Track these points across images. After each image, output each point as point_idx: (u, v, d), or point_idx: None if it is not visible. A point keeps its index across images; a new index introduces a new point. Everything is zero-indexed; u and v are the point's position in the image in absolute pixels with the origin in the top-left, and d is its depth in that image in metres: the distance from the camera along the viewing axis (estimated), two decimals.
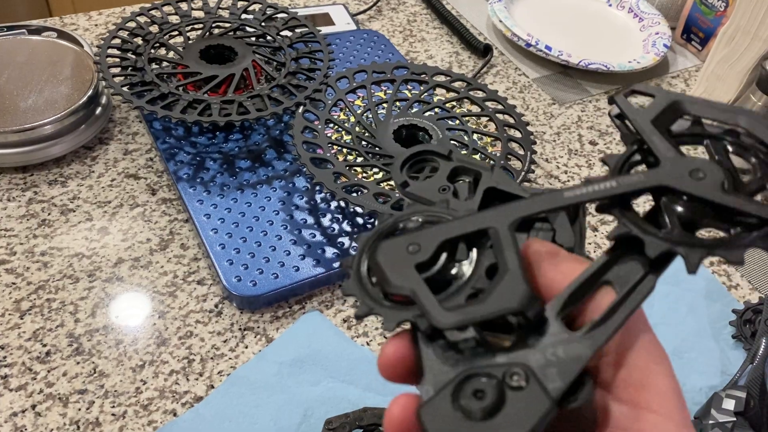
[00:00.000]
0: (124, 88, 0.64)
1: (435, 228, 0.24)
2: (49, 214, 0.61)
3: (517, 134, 0.67)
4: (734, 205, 0.21)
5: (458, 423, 0.20)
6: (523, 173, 0.61)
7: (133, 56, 0.68)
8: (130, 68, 0.67)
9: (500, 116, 0.68)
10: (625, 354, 0.22)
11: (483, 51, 0.87)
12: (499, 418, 0.19)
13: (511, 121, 0.68)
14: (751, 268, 0.65)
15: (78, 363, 0.51)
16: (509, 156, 0.64)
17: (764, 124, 0.24)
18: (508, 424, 0.19)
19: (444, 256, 0.23)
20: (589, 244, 0.66)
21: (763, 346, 0.55)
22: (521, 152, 0.64)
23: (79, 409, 0.49)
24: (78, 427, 0.48)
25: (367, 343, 0.55)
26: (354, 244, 0.59)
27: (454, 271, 0.23)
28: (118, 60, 0.68)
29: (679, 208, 0.22)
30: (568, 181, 0.72)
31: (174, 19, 0.74)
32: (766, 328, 0.56)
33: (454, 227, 0.23)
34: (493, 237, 0.23)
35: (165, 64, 0.70)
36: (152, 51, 0.69)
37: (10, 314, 0.54)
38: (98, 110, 0.68)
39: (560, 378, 0.20)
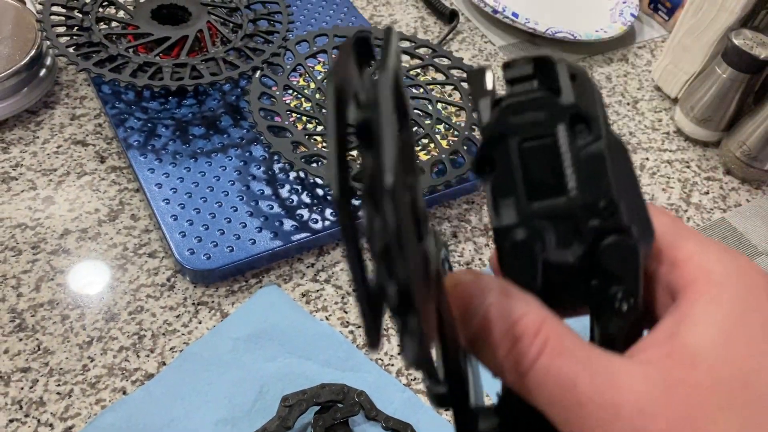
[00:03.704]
0: (70, 49, 0.60)
1: None
2: None
3: None
4: None
5: None
6: None
7: (80, 15, 0.64)
8: (76, 28, 0.63)
9: (465, 85, 0.66)
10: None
11: (449, 17, 0.84)
12: None
13: None
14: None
15: (21, 340, 0.49)
16: (474, 126, 0.62)
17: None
18: None
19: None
20: None
21: None
22: None
23: (22, 388, 0.47)
24: (21, 407, 0.46)
25: (326, 318, 0.53)
26: (313, 215, 0.57)
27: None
28: (63, 19, 0.63)
29: None
30: None
31: None
32: None
33: None
34: None
35: (114, 24, 0.66)
36: (100, 10, 0.65)
37: None
38: (42, 72, 0.65)
39: None
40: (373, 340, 0.15)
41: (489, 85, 0.21)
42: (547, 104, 0.19)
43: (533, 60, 0.20)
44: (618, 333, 0.20)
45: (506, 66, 0.20)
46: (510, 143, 0.19)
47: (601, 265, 0.19)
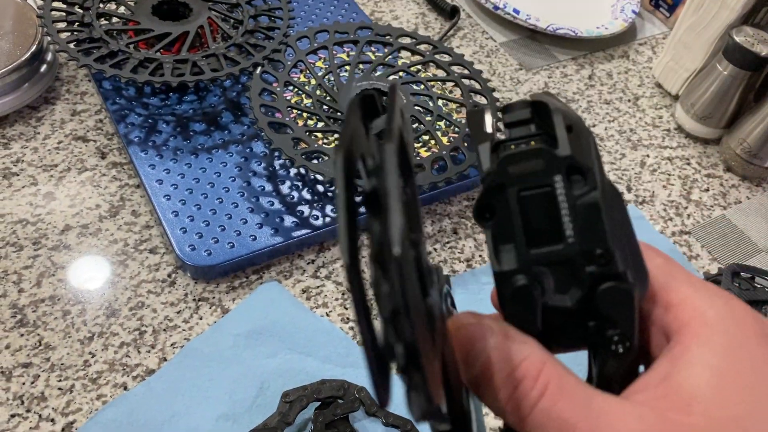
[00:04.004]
0: (71, 45, 0.60)
1: None
2: None
3: (483, 100, 0.65)
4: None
5: None
6: None
7: (80, 11, 0.64)
8: (76, 23, 0.63)
9: (466, 81, 0.66)
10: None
11: (450, 13, 0.84)
12: None
13: (477, 86, 0.66)
14: (711, 239, 0.65)
15: (22, 335, 0.49)
16: None
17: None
18: None
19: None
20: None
21: None
22: None
23: (23, 384, 0.47)
24: (22, 402, 0.46)
25: (327, 314, 0.54)
26: (314, 212, 0.57)
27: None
28: (63, 14, 0.63)
29: None
30: None
31: None
32: None
33: None
34: None
35: (115, 19, 0.66)
36: (101, 5, 0.65)
37: None
38: (43, 68, 0.65)
39: None
40: (383, 399, 0.16)
41: (488, 128, 0.21)
42: (544, 155, 0.20)
43: (530, 104, 0.21)
44: (614, 373, 0.20)
45: (505, 110, 0.21)
46: (509, 192, 0.20)
47: (598, 309, 0.20)
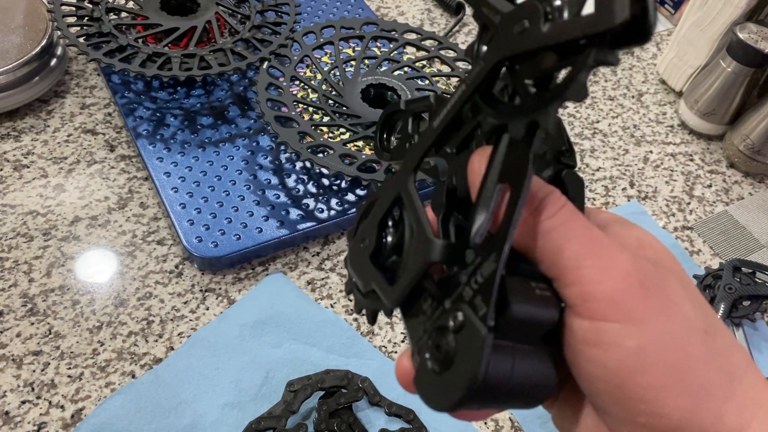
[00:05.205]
0: (80, 39, 0.61)
1: (371, 215, 0.26)
2: (1, 169, 0.59)
3: None
4: (554, 41, 0.20)
5: (434, 379, 0.21)
6: None
7: (90, 5, 0.65)
8: (86, 18, 0.64)
9: None
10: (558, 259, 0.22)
11: (455, 9, 0.85)
12: (456, 364, 0.20)
13: None
14: (713, 234, 0.65)
15: (32, 324, 0.50)
16: None
17: None
18: (463, 365, 0.20)
19: (389, 231, 0.25)
20: None
21: (721, 311, 0.56)
22: None
23: (34, 371, 0.48)
24: (32, 389, 0.47)
25: (331, 306, 0.54)
26: (319, 205, 0.58)
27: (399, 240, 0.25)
28: (73, 9, 0.64)
29: (524, 72, 0.22)
30: None
31: None
32: (725, 294, 0.57)
33: (379, 208, 0.25)
34: (405, 200, 0.25)
35: (124, 14, 0.67)
36: (110, 0, 0.66)
37: None
38: (53, 61, 0.65)
39: (484, 303, 0.20)
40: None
41: None
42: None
43: None
44: None
45: None
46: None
47: (564, 187, 0.26)
